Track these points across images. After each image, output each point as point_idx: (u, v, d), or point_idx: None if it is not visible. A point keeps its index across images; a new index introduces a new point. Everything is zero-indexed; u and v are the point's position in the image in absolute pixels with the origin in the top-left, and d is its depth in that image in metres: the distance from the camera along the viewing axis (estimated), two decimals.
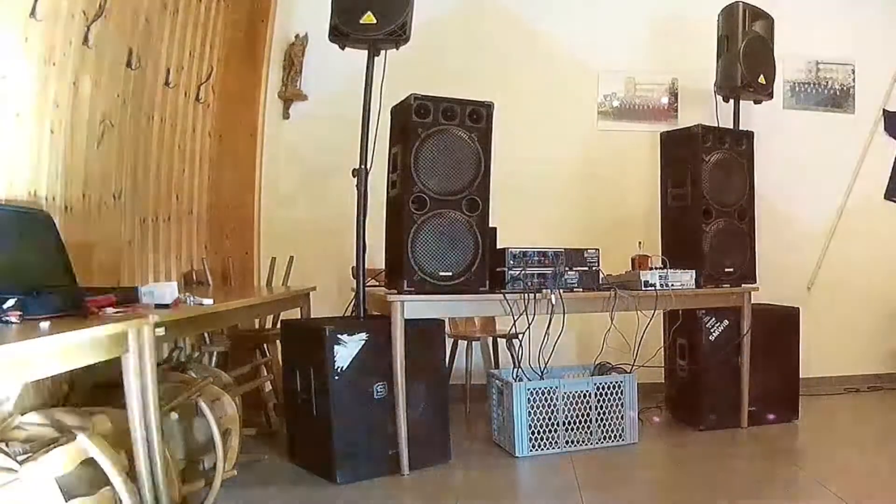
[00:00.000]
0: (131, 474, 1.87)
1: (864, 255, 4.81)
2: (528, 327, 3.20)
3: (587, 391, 3.37)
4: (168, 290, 2.16)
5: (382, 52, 3.40)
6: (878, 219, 4.88)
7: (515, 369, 3.40)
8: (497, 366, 4.41)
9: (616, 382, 3.42)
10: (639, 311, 3.47)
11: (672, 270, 3.52)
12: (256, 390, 3.62)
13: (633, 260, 3.66)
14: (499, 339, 4.43)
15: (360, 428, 2.97)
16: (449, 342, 4.03)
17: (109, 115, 2.85)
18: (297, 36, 4.54)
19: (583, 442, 3.35)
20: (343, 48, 3.39)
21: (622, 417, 3.42)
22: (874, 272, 4.82)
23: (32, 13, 2.27)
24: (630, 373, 3.49)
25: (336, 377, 2.93)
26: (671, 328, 3.83)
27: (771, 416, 3.79)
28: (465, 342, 4.29)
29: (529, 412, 3.25)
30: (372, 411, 3.00)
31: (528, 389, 3.26)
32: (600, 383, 3.40)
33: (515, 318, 3.14)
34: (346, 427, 2.95)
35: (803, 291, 4.72)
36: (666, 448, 3.52)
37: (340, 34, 3.31)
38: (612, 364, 3.61)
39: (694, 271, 3.58)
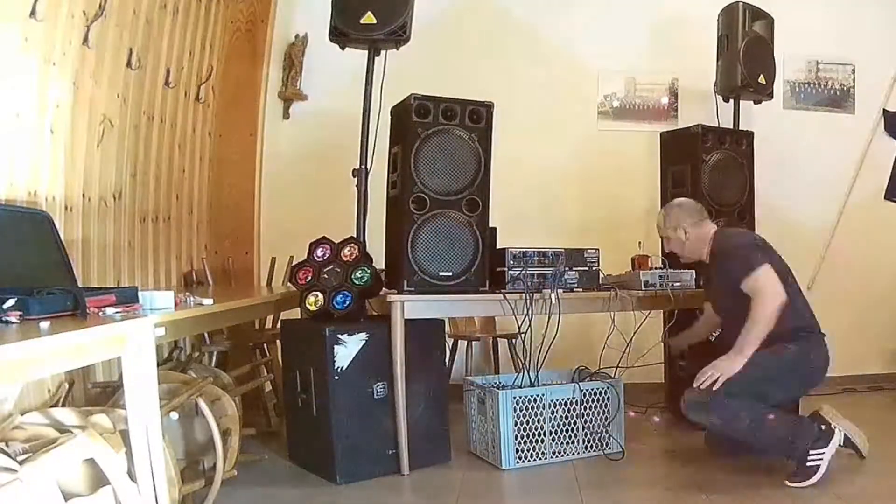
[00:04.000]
0: (131, 474, 1.87)
1: (865, 255, 4.81)
2: (529, 327, 3.19)
3: (573, 398, 3.23)
4: (165, 298, 2.16)
5: (382, 52, 3.40)
6: (878, 219, 4.87)
7: (519, 374, 3.37)
8: (497, 366, 4.40)
9: (603, 389, 3.29)
10: (639, 312, 3.47)
11: (672, 270, 3.51)
12: (256, 390, 3.62)
13: (633, 260, 3.66)
14: (499, 339, 4.43)
15: (360, 428, 2.97)
16: (449, 342, 4.03)
17: (109, 115, 2.85)
18: (297, 36, 4.55)
19: (569, 452, 3.22)
20: (343, 48, 3.39)
21: (609, 425, 3.29)
22: (874, 272, 4.82)
23: (32, 13, 2.27)
24: (616, 378, 3.38)
25: (336, 377, 2.94)
26: (671, 328, 3.82)
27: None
28: (465, 342, 4.29)
29: (516, 422, 3.11)
30: (372, 411, 3.00)
31: (515, 398, 3.13)
32: (587, 390, 3.27)
33: (519, 318, 3.14)
34: (346, 427, 2.95)
35: (803, 291, 4.71)
36: (663, 448, 3.52)
37: (340, 34, 3.31)
38: (589, 368, 3.55)
39: (694, 271, 3.58)
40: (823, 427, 2.89)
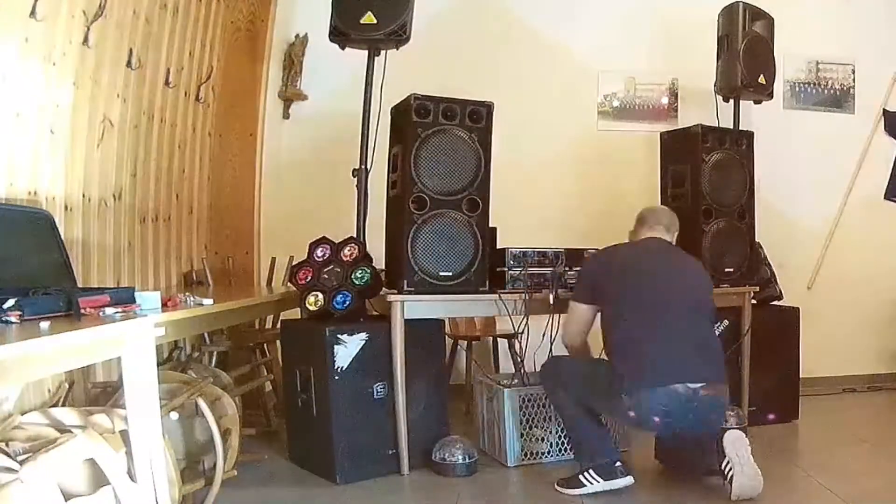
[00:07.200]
0: (131, 474, 1.87)
1: (864, 255, 4.81)
2: (527, 327, 3.18)
3: None
4: (151, 299, 2.15)
5: (382, 52, 3.40)
6: (878, 219, 4.88)
7: (516, 374, 3.38)
8: (497, 366, 4.41)
9: None
10: None
11: None
12: (256, 390, 3.62)
13: None
14: (499, 339, 4.42)
15: (360, 428, 2.97)
16: (449, 342, 4.03)
17: (109, 115, 2.85)
18: (297, 36, 4.54)
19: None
20: (343, 48, 3.39)
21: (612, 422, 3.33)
22: (874, 272, 4.82)
23: (32, 13, 2.27)
24: None
25: (336, 377, 2.94)
26: None
27: (771, 416, 3.79)
28: (465, 342, 4.29)
29: (521, 420, 3.17)
30: (372, 411, 3.00)
31: (521, 396, 3.17)
32: None
33: (516, 319, 3.14)
34: (346, 427, 2.95)
35: (803, 291, 4.72)
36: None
37: (340, 34, 3.31)
38: None
39: None
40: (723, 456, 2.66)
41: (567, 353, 3.03)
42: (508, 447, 3.15)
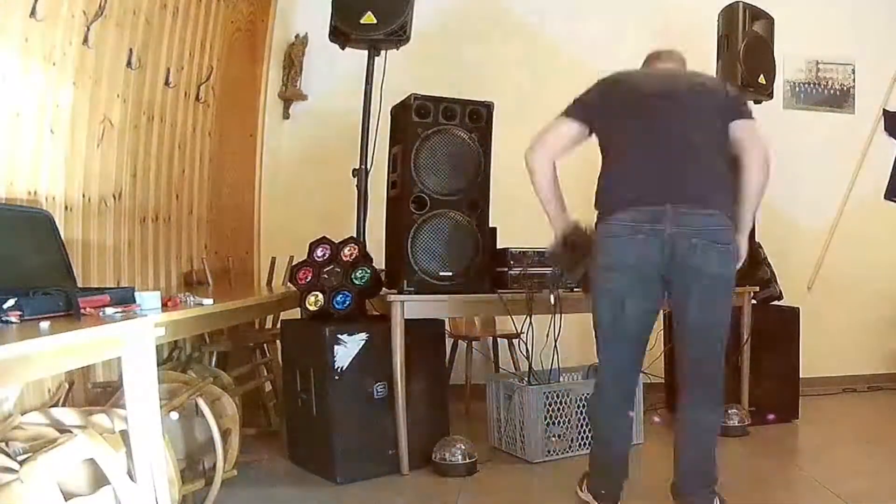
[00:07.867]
0: (131, 474, 1.87)
1: (864, 255, 4.81)
2: (531, 327, 3.19)
3: None
4: (152, 299, 2.15)
5: (382, 52, 3.40)
6: (878, 219, 4.87)
7: (525, 373, 3.38)
8: (497, 366, 4.41)
9: None
10: None
11: None
12: (256, 390, 3.62)
13: None
14: (499, 339, 4.42)
15: (360, 428, 2.97)
16: (449, 342, 4.03)
17: (109, 115, 2.85)
18: (297, 36, 4.55)
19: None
20: (343, 48, 3.40)
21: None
22: (874, 272, 4.82)
23: (32, 13, 2.27)
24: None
25: (336, 377, 2.94)
26: (671, 328, 3.82)
27: (771, 416, 3.79)
28: (465, 342, 4.29)
29: (545, 417, 3.21)
30: (372, 411, 3.00)
31: (545, 393, 3.22)
32: None
33: (519, 319, 3.14)
34: (346, 427, 2.95)
35: (803, 291, 4.72)
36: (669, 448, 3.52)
37: (340, 34, 3.31)
38: None
39: None
40: None
41: None
42: (532, 445, 3.19)
